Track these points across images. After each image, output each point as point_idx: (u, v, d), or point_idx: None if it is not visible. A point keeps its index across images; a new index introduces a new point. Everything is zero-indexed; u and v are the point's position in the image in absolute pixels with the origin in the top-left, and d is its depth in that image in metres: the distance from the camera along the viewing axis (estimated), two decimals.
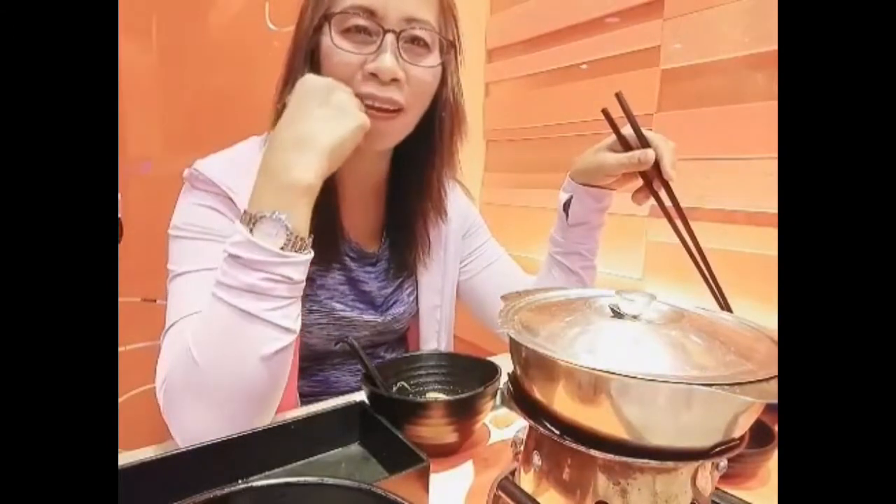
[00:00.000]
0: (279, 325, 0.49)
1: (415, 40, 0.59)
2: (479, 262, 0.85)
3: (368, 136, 0.57)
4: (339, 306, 0.70)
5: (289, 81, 0.60)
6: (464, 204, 0.85)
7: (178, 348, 0.50)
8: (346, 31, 0.57)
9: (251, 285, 0.48)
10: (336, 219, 0.67)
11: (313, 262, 0.68)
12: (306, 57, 0.59)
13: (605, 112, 0.65)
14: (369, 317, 0.72)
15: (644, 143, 0.64)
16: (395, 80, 0.57)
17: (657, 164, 0.63)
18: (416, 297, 0.78)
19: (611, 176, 0.69)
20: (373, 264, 0.74)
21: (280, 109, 0.56)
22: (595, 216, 0.74)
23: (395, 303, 0.75)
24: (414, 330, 0.80)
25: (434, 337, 0.80)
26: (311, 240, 0.52)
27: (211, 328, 0.49)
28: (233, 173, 0.60)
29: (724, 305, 0.63)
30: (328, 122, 0.51)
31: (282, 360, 0.50)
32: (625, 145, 0.66)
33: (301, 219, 0.50)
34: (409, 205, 0.73)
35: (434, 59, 0.61)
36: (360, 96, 0.57)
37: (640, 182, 0.68)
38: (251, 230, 0.48)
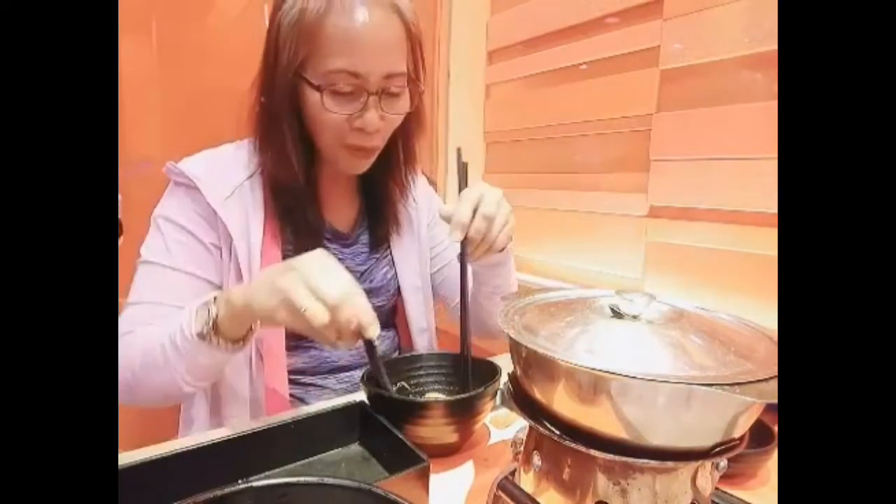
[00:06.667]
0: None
1: (392, 94, 0.64)
2: (443, 258, 0.89)
3: (347, 167, 0.68)
4: None
5: (265, 106, 0.65)
6: (429, 194, 0.89)
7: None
8: (333, 93, 0.61)
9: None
10: (318, 218, 0.71)
11: (294, 251, 0.71)
12: (286, 95, 0.63)
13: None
14: None
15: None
16: (377, 130, 0.64)
17: None
18: (395, 276, 0.81)
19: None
20: (348, 245, 0.77)
21: (259, 112, 0.63)
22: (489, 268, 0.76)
23: (372, 278, 0.78)
24: (401, 311, 0.82)
25: (423, 317, 0.82)
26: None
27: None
28: (204, 165, 0.67)
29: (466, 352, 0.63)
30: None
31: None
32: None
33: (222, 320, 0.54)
34: (379, 193, 0.79)
35: (406, 99, 0.66)
36: (348, 147, 0.65)
37: None
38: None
